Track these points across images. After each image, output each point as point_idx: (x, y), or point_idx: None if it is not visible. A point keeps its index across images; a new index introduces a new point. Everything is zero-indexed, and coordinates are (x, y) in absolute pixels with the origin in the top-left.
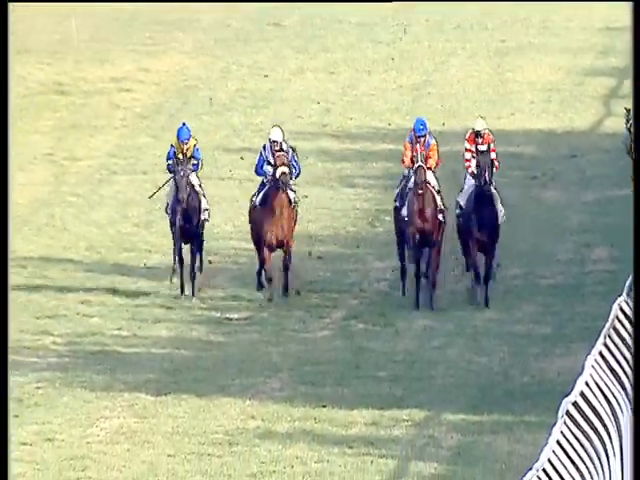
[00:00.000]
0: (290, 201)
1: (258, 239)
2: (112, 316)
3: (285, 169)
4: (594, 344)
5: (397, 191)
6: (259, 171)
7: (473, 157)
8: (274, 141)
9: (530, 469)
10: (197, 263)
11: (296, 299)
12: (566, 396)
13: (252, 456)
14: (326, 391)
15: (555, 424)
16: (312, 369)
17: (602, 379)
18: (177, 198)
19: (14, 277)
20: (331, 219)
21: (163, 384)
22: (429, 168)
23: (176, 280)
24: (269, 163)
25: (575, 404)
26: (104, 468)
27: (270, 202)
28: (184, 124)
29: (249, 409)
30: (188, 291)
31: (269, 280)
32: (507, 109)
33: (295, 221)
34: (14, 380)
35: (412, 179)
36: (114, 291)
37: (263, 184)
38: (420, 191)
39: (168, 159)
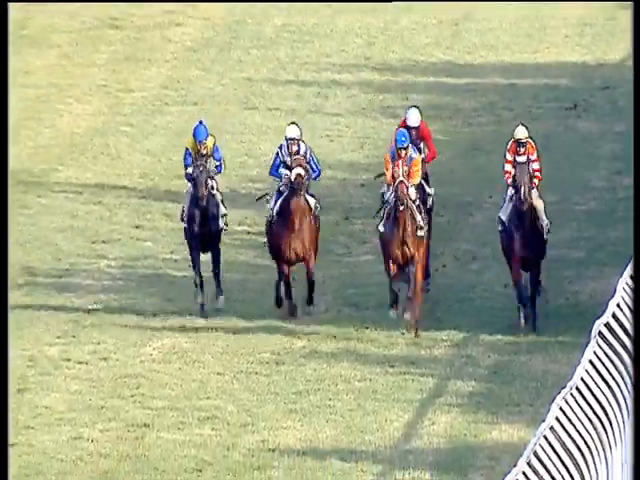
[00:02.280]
0: (310, 209)
1: (276, 253)
2: (164, 240)
3: (300, 170)
4: (625, 268)
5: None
6: (273, 172)
7: (514, 168)
8: (291, 139)
9: (564, 387)
10: (217, 271)
11: (339, 224)
12: (598, 317)
13: (298, 375)
14: (369, 313)
15: (588, 344)
16: (355, 292)
17: (633, 301)
18: (196, 196)
19: (71, 203)
20: (374, 148)
21: (213, 306)
22: (412, 185)
23: (200, 299)
24: (285, 165)
25: (607, 325)
26: (156, 386)
27: (288, 212)
28: (201, 122)
29: (295, 330)
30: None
31: (289, 297)
32: (543, 43)
33: (317, 230)
34: (71, 302)
35: (392, 195)
36: (166, 216)
37: (279, 192)
38: (401, 207)
39: (186, 166)
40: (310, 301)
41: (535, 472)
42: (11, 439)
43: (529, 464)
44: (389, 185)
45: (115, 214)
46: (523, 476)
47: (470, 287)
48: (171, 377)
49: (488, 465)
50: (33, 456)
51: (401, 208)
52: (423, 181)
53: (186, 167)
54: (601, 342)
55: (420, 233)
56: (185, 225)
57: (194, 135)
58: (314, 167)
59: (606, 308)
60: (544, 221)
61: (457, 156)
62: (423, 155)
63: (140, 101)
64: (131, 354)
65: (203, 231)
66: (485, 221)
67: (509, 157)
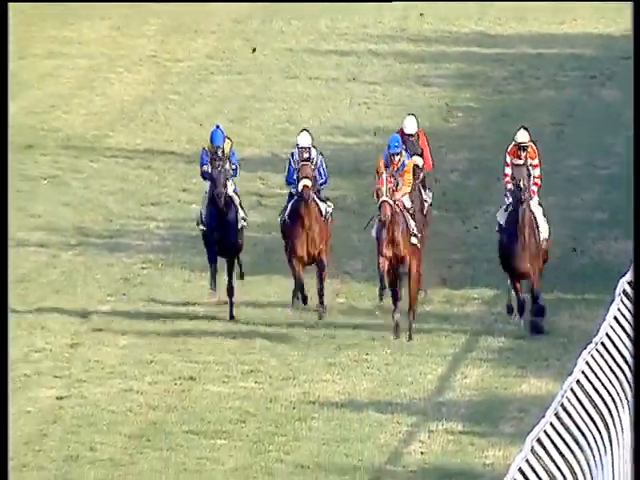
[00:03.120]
0: (321, 213)
1: (290, 255)
2: None
3: (307, 182)
4: None
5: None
6: (290, 180)
7: (513, 171)
8: (302, 147)
9: (590, 342)
10: (233, 278)
11: (373, 187)
12: (622, 276)
13: (337, 330)
14: None
15: (612, 301)
16: None
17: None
18: (212, 199)
19: (122, 168)
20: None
21: (256, 265)
22: (404, 194)
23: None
24: (297, 177)
25: (630, 283)
26: (202, 341)
27: (299, 216)
28: (218, 127)
29: (336, 287)
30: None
31: (304, 299)
32: (569, 15)
33: (328, 234)
34: (122, 261)
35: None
36: None
37: (291, 195)
38: (388, 228)
39: (202, 165)
40: (321, 304)
41: (562, 424)
42: (64, 392)
43: (557, 416)
44: (375, 196)
45: (163, 178)
46: (551, 427)
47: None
48: (216, 333)
49: (517, 417)
50: (85, 408)
51: (387, 230)
52: (421, 187)
53: (202, 166)
54: (625, 299)
55: (413, 240)
56: (203, 228)
57: (211, 139)
58: (322, 173)
59: (629, 267)
60: (542, 227)
61: (487, 122)
62: (421, 162)
63: (187, 70)
64: (179, 311)
65: (221, 236)
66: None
67: (509, 160)
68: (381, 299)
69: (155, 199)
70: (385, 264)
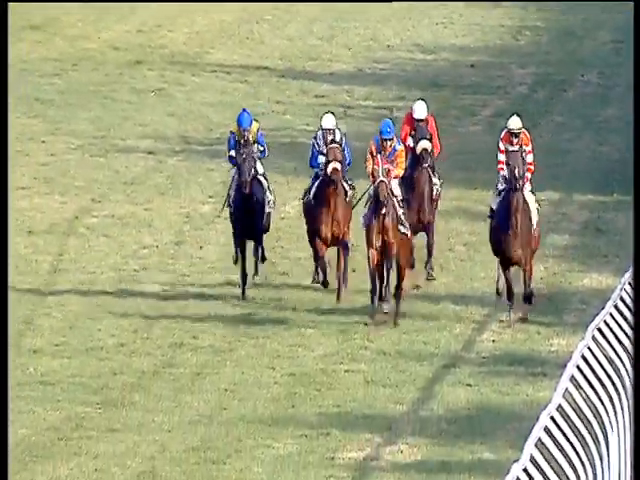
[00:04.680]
0: (346, 193)
1: (313, 235)
2: (300, 114)
3: (337, 165)
4: None
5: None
6: (313, 163)
7: (506, 157)
8: (326, 129)
9: None
10: (260, 260)
11: (452, 99)
12: None
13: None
14: (477, 175)
15: None
16: (465, 158)
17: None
18: (239, 184)
19: (221, 82)
20: (482, 34)
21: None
22: (395, 177)
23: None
24: (322, 154)
25: None
26: (294, 239)
27: (324, 196)
28: (244, 110)
29: None
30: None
31: (324, 276)
32: None
33: (350, 215)
34: (221, 166)
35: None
36: (302, 92)
37: (317, 176)
38: (383, 210)
39: (229, 149)
40: (344, 285)
41: (621, 313)
42: (169, 285)
43: (616, 307)
44: (370, 177)
45: (258, 91)
46: (610, 318)
47: (564, 153)
48: (303, 235)
49: (580, 308)
50: (188, 300)
51: (383, 211)
52: (430, 171)
53: (229, 150)
54: None
55: (402, 229)
56: (230, 210)
57: (238, 122)
58: (346, 156)
59: None
60: (534, 214)
61: (552, 40)
62: (430, 146)
63: None
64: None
65: (247, 220)
66: (576, 96)
67: (502, 147)
68: (374, 293)
69: (251, 110)
70: (375, 257)
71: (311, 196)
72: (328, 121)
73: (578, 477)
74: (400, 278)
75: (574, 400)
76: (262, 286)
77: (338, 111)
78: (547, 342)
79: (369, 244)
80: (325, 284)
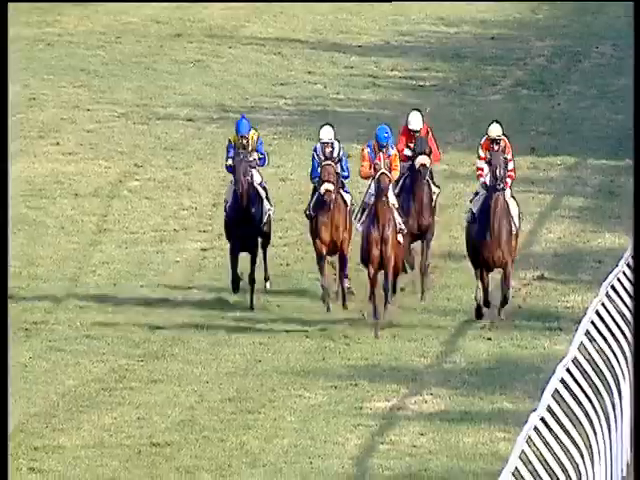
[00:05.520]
0: (346, 204)
1: (314, 237)
2: (331, 83)
3: (329, 186)
4: None
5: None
6: (314, 174)
7: (486, 164)
8: (324, 142)
9: None
10: (252, 277)
11: (473, 70)
12: None
13: (444, 188)
14: None
15: None
16: (486, 125)
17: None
18: (235, 189)
19: (256, 53)
20: (502, 9)
21: (371, 136)
22: (390, 180)
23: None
24: (320, 178)
25: None
26: None
27: (324, 208)
28: (243, 116)
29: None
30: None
31: (327, 294)
32: None
33: (351, 225)
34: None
35: (372, 188)
36: (333, 64)
37: (316, 190)
38: (383, 199)
39: (227, 158)
40: (344, 302)
41: (633, 271)
42: (207, 244)
43: (628, 265)
44: (365, 178)
45: (291, 62)
46: (623, 275)
47: (579, 121)
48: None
49: (594, 266)
50: (225, 259)
51: (383, 199)
52: (429, 179)
53: (226, 159)
54: None
55: (399, 238)
56: (226, 219)
57: (236, 129)
58: (344, 168)
59: None
60: (514, 218)
61: (569, 14)
62: (428, 161)
63: None
64: (304, 175)
65: (243, 231)
66: (591, 67)
67: (482, 154)
68: (371, 298)
69: (284, 80)
70: (372, 272)
71: (311, 209)
72: (326, 133)
73: (593, 426)
74: (389, 286)
75: (588, 353)
76: (297, 242)
77: (365, 81)
78: (563, 298)
79: (367, 258)
80: (325, 300)
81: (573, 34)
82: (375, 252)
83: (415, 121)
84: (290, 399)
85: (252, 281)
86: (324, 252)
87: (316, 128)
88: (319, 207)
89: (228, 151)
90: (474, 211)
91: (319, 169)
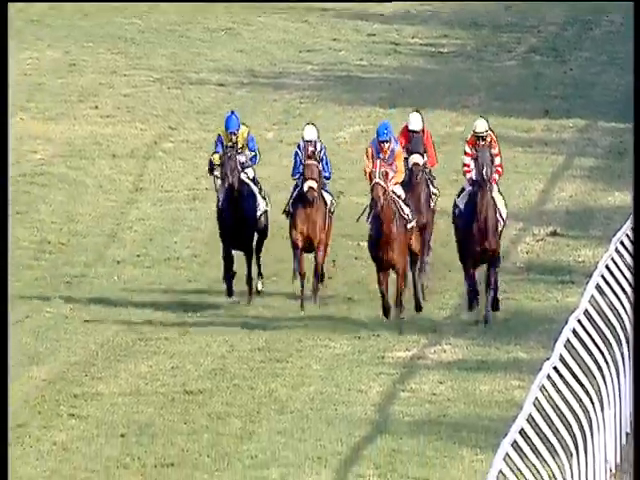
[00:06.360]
0: (325, 203)
1: (291, 229)
2: (355, 50)
3: (312, 184)
4: None
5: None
6: (294, 172)
7: (473, 160)
8: (307, 141)
9: None
10: (249, 276)
11: (490, 37)
12: None
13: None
14: (512, 105)
15: None
16: (502, 90)
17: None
18: (225, 187)
19: (284, 22)
20: None
21: (392, 100)
22: (395, 183)
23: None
24: (303, 165)
25: None
26: (348, 162)
27: (303, 205)
28: (232, 112)
29: (456, 119)
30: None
31: (301, 287)
32: None
33: (330, 225)
34: (284, 97)
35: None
36: (357, 31)
37: (297, 186)
38: (378, 208)
39: (214, 152)
40: (315, 290)
41: None
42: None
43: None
44: (367, 179)
45: (317, 30)
46: (631, 231)
47: (591, 85)
48: (359, 155)
49: (604, 223)
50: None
51: (378, 208)
52: (429, 182)
53: (213, 153)
54: None
55: (409, 226)
56: (217, 217)
57: (225, 125)
58: (326, 168)
59: None
60: (502, 215)
61: None
62: (425, 159)
63: None
64: (330, 137)
65: (235, 229)
66: (602, 34)
67: (468, 150)
68: (387, 317)
69: (310, 47)
70: (383, 279)
71: (290, 207)
72: (309, 133)
73: (602, 374)
74: (399, 286)
75: (599, 305)
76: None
77: (387, 48)
78: (575, 253)
79: (376, 260)
80: (298, 276)
81: (585, 3)
82: (381, 255)
83: (415, 121)
84: (316, 349)
85: (249, 280)
86: (300, 245)
87: (340, 92)
88: (299, 202)
89: (216, 145)
90: (460, 207)
91: (302, 167)
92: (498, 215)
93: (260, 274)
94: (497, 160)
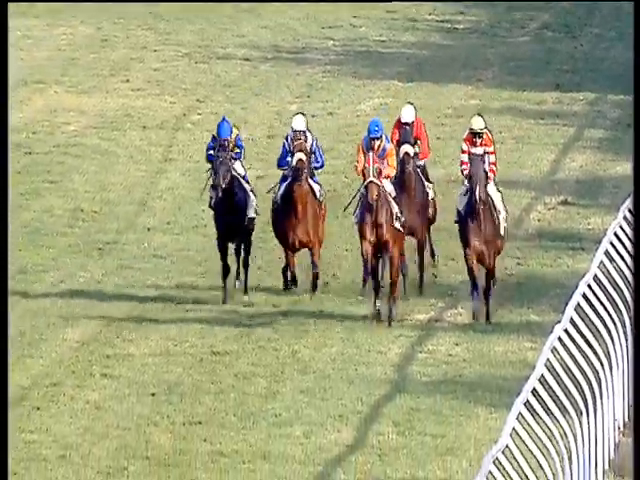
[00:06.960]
0: (315, 195)
1: (281, 239)
2: (374, 26)
3: (302, 155)
4: None
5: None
6: (282, 162)
7: (469, 159)
8: (296, 131)
9: None
10: (242, 264)
11: (504, 14)
12: None
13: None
14: (525, 79)
15: None
16: (515, 64)
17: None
18: (215, 185)
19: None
20: None
21: (410, 74)
22: (387, 176)
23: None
24: (291, 154)
25: None
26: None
27: (292, 199)
28: (224, 119)
29: (471, 92)
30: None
31: (293, 280)
32: None
33: (323, 218)
34: (307, 72)
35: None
36: (375, 7)
37: (284, 177)
38: (372, 204)
39: (208, 149)
40: (314, 288)
41: None
42: (262, 172)
43: None
44: (358, 175)
45: (338, 7)
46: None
47: (600, 60)
48: None
49: (613, 192)
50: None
51: (373, 211)
52: (422, 176)
53: (207, 150)
54: None
55: (397, 224)
56: (212, 213)
57: (218, 133)
58: (318, 158)
59: None
60: (501, 213)
61: None
62: (417, 150)
63: None
64: (350, 110)
65: (229, 220)
66: (611, 10)
67: (465, 147)
68: (364, 285)
69: (332, 23)
70: (369, 249)
71: (278, 198)
72: (298, 123)
73: (611, 336)
74: (393, 282)
75: (608, 271)
76: (344, 171)
77: (406, 24)
78: (585, 221)
79: (362, 237)
80: (295, 283)
81: None
82: (370, 236)
83: (407, 114)
84: (338, 313)
85: (245, 265)
86: (292, 258)
87: (360, 67)
88: (287, 199)
89: (209, 144)
90: (460, 209)
91: (290, 152)
92: (496, 216)
93: (238, 275)
94: (492, 158)
